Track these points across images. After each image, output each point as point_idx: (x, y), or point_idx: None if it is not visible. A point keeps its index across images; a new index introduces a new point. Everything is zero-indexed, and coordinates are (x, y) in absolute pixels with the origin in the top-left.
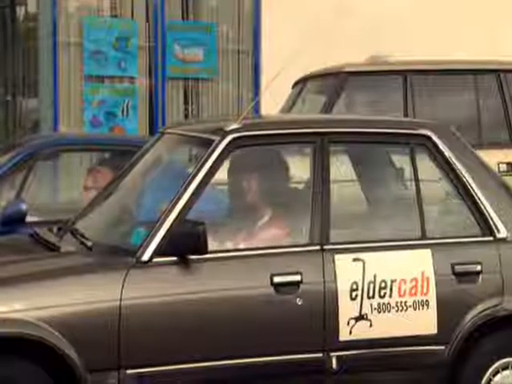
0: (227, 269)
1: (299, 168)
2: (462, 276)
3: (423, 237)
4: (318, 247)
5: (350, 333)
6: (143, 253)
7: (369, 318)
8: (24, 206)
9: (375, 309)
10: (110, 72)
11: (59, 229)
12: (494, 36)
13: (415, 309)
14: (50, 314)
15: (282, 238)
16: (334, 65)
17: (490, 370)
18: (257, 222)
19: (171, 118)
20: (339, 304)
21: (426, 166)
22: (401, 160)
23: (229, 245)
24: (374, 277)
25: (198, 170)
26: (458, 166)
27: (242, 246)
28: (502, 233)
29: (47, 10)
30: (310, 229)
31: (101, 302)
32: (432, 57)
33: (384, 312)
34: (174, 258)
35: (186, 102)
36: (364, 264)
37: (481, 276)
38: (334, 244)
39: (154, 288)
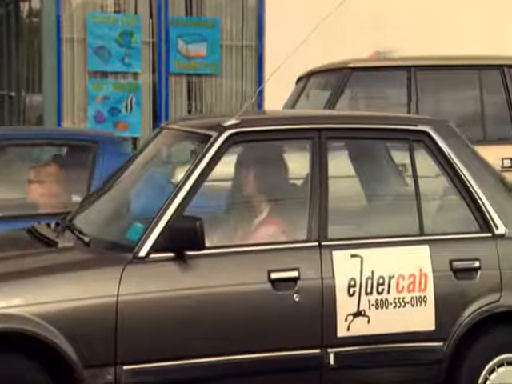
0: (225, 265)
1: (298, 164)
2: (460, 272)
3: (421, 233)
4: (315, 243)
5: (348, 329)
6: (140, 248)
7: (366, 314)
8: None
9: (373, 305)
10: (114, 68)
11: (57, 224)
12: (497, 32)
13: (413, 305)
14: (46, 309)
15: (280, 234)
16: (338, 60)
17: (488, 366)
18: (255, 218)
19: (175, 113)
20: (337, 300)
21: (425, 163)
22: (399, 156)
23: (227, 241)
24: (372, 273)
25: (196, 166)
26: (457, 162)
27: (239, 242)
28: (501, 229)
29: (51, 6)
30: (308, 225)
31: (97, 298)
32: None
33: (382, 308)
34: (172, 254)
35: (189, 98)
36: (362, 260)
37: (479, 272)
38: (331, 240)
39: (151, 284)
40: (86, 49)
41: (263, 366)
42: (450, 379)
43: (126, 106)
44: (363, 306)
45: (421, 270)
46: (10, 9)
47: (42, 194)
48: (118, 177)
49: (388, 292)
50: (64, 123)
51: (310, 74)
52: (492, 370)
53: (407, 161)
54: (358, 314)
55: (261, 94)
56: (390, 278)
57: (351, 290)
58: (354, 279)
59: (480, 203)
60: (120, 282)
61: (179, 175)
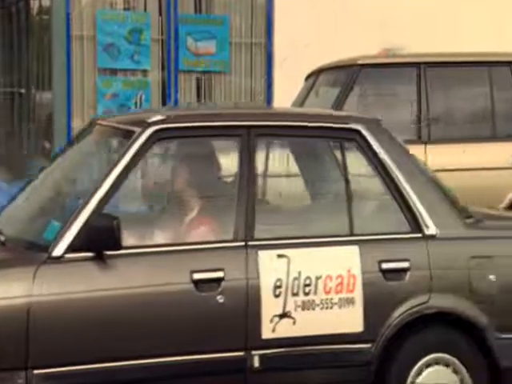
0: (145, 265)
1: (227, 162)
2: (390, 273)
3: (351, 233)
4: (241, 243)
5: (273, 331)
6: (55, 248)
7: (293, 315)
8: None
9: (299, 306)
10: (124, 65)
11: None
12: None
13: (341, 306)
14: None
15: (210, 233)
16: (347, 57)
17: (417, 366)
18: (185, 216)
19: None
20: (262, 301)
21: (357, 162)
22: (330, 154)
23: (149, 240)
24: (299, 273)
25: (117, 163)
26: (388, 161)
27: (163, 242)
28: (431, 229)
29: (61, 3)
30: (235, 224)
31: (9, 299)
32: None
33: (308, 309)
34: (89, 254)
35: (198, 95)
36: (289, 260)
37: (408, 273)
38: (258, 240)
39: (66, 284)
40: (95, 46)
41: (186, 368)
42: (380, 381)
43: (136, 104)
44: (289, 307)
45: (349, 271)
46: (20, 6)
47: None
48: (44, 174)
49: (315, 293)
50: (74, 120)
51: (320, 71)
52: (421, 370)
53: (339, 159)
54: (284, 315)
55: (270, 92)
56: (318, 278)
57: (277, 290)
58: (280, 280)
59: (411, 203)
60: (33, 283)
61: (101, 172)
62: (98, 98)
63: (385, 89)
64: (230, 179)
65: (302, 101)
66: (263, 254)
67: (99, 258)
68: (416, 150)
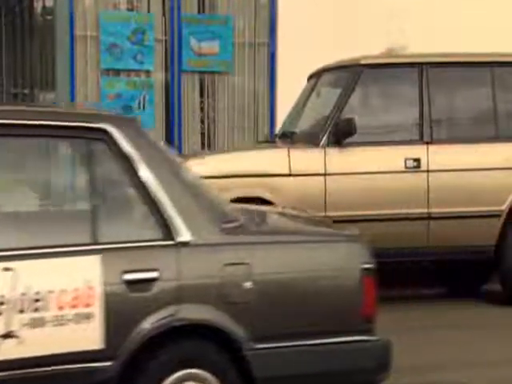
0: None
1: None
2: (134, 284)
3: (95, 242)
4: None
5: None
6: None
7: (19, 335)
8: None
9: (27, 324)
10: (127, 65)
11: None
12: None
13: (77, 323)
14: None
15: None
16: (349, 57)
17: (168, 382)
18: None
19: (187, 111)
20: None
21: (104, 163)
22: (74, 156)
23: None
24: (28, 288)
25: None
26: (139, 164)
27: None
28: (184, 236)
29: (64, 4)
30: None
31: None
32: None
33: (38, 328)
34: None
35: (202, 95)
36: (16, 274)
37: (156, 283)
38: None
39: None
40: (98, 46)
41: None
42: None
43: (139, 104)
44: (14, 326)
45: (88, 284)
46: (23, 6)
47: None
48: None
49: (47, 309)
50: None
51: (322, 72)
52: None
53: (84, 161)
54: (8, 335)
55: (273, 92)
56: (50, 293)
57: None
58: (3, 296)
59: (162, 209)
60: None
61: None
62: (102, 99)
63: (387, 89)
64: None
65: (303, 101)
66: None
67: None
68: (418, 151)
